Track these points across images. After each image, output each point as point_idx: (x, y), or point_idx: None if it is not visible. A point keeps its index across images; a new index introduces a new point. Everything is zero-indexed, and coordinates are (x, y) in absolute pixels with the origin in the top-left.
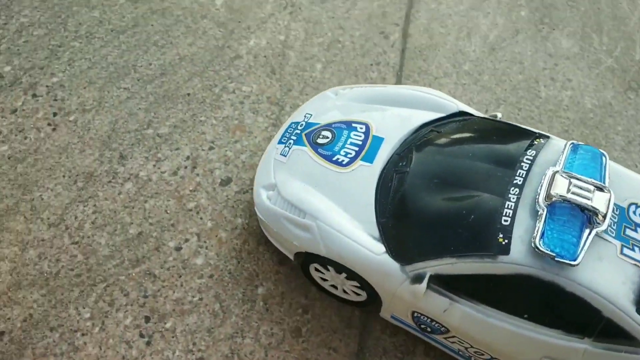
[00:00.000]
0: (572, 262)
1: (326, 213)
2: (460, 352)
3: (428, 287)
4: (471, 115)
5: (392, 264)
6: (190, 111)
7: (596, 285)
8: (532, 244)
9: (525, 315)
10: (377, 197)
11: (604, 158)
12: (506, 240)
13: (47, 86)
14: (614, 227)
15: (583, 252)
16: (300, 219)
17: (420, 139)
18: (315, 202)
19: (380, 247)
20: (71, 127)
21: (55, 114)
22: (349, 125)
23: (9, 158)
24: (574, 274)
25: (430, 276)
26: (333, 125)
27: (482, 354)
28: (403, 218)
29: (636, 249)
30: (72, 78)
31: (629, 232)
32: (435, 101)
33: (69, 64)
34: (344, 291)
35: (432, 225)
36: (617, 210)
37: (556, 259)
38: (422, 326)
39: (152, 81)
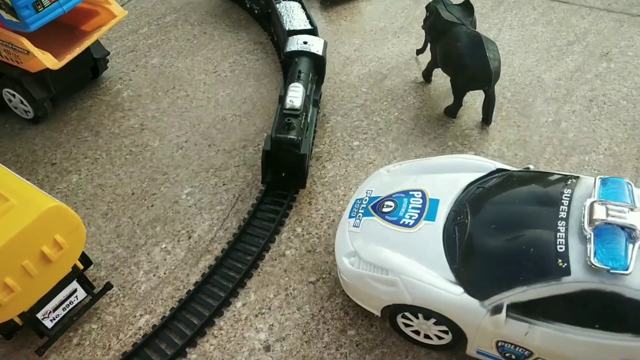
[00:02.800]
0: (625, 272)
1: (406, 267)
2: None
3: (507, 315)
4: (508, 170)
5: (472, 301)
6: None
7: None
8: (588, 262)
9: (596, 325)
10: (445, 247)
11: (630, 186)
12: (565, 264)
13: None
14: None
15: (633, 262)
16: (384, 276)
17: (470, 195)
18: (394, 260)
19: (459, 289)
20: None
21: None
22: (406, 193)
23: (357, 345)
24: (629, 281)
25: (507, 305)
26: (393, 196)
27: None
28: (473, 261)
29: None
30: None
31: None
32: (474, 164)
33: None
34: (426, 336)
35: (500, 262)
36: None
37: (611, 271)
38: (507, 354)
39: None
